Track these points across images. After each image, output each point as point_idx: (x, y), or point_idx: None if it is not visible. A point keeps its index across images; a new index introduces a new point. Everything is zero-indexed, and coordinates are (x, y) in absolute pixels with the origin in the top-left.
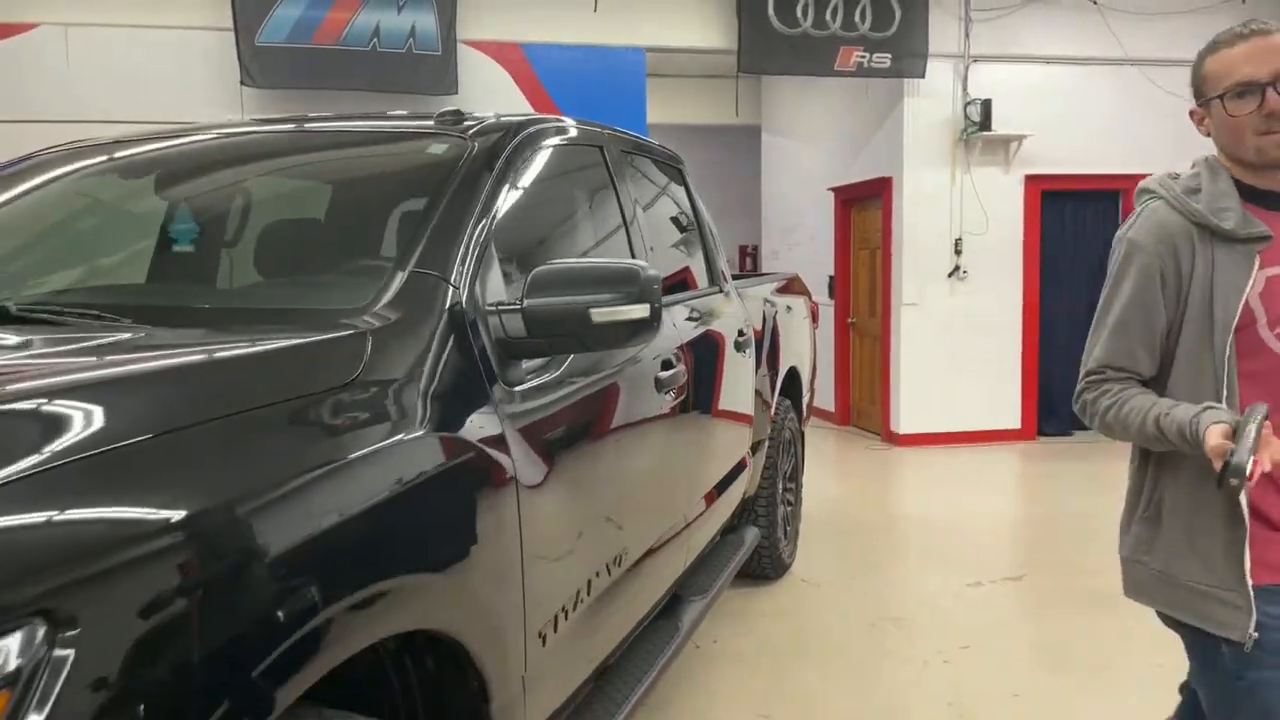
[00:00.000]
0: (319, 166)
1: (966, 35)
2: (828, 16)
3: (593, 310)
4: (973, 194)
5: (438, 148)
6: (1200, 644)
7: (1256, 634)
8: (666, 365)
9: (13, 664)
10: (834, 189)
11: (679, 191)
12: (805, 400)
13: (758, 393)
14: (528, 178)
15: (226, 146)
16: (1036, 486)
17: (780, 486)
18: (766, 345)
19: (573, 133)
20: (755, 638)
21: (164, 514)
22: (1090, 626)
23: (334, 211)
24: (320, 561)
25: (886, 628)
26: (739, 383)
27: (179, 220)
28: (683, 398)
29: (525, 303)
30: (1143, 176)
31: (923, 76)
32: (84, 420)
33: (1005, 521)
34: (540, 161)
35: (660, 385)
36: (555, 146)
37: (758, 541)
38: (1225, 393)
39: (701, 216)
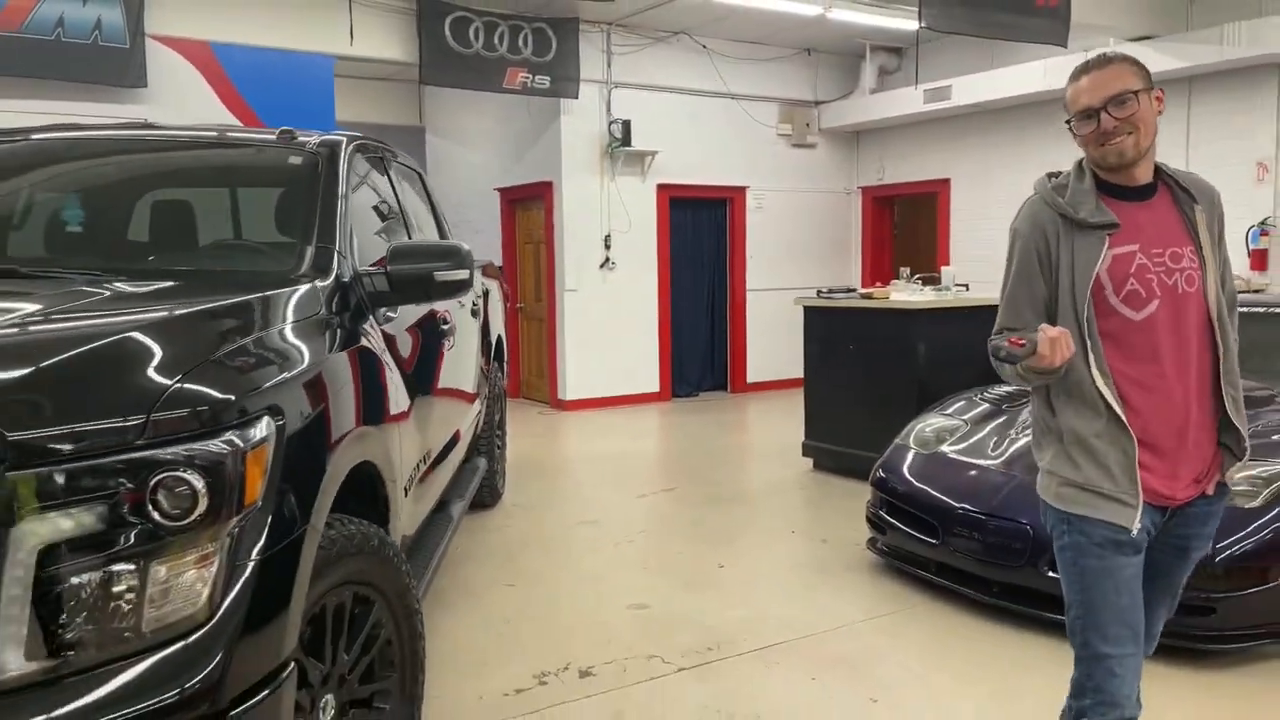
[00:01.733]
0: (210, 171)
1: (609, 65)
2: (496, 40)
3: (436, 273)
4: (618, 198)
5: (296, 157)
6: (1065, 533)
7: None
8: (444, 319)
9: (266, 433)
10: (500, 189)
11: (421, 190)
12: (506, 364)
13: (482, 351)
14: (355, 178)
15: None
16: (675, 431)
17: (494, 429)
18: (482, 316)
19: (370, 146)
20: (489, 543)
21: (283, 367)
22: (722, 514)
23: (245, 205)
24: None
25: (584, 528)
26: (473, 339)
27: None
28: (450, 342)
29: (389, 268)
30: (742, 188)
31: (576, 97)
32: (217, 327)
33: (657, 455)
34: (358, 167)
35: (441, 330)
36: (365, 156)
37: (486, 469)
38: (1089, 347)
39: (438, 208)
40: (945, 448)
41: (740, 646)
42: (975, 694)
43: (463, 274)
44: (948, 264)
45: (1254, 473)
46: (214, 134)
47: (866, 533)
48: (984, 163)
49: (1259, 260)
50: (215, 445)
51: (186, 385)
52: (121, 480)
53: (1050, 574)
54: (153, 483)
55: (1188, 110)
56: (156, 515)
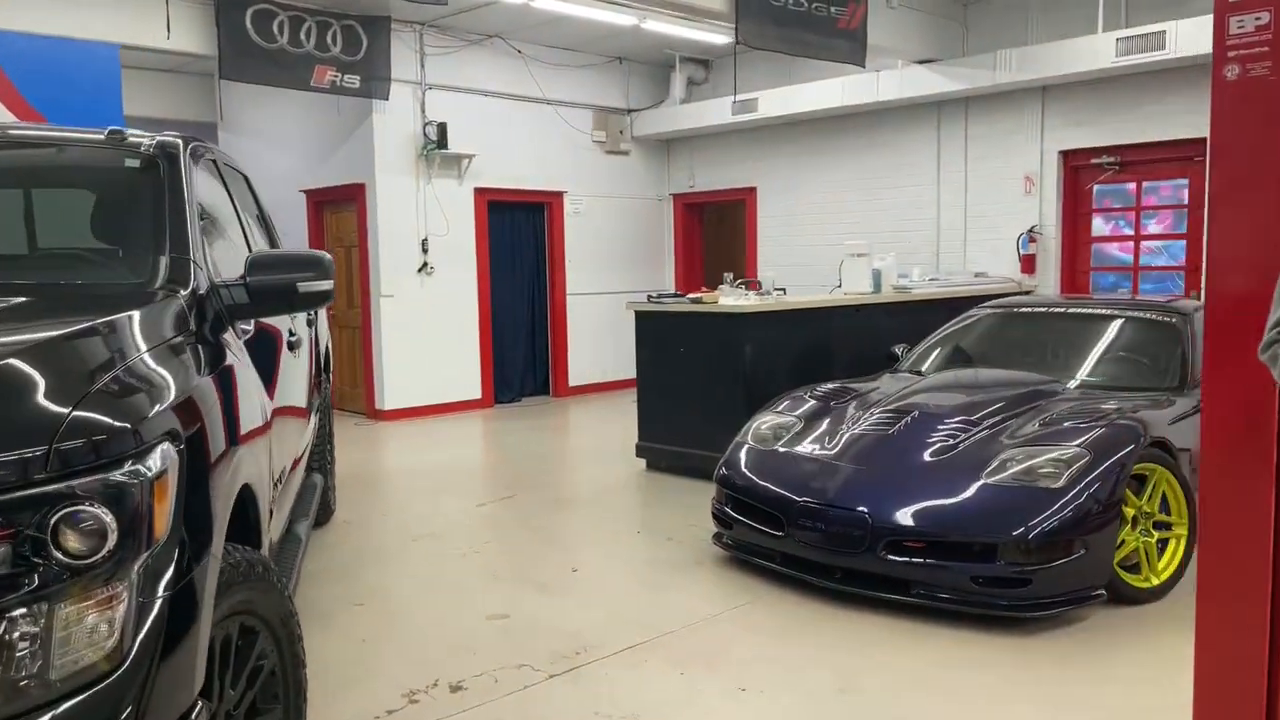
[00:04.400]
0: (33, 174)
1: (422, 66)
2: (302, 35)
3: (299, 284)
4: (435, 201)
5: (133, 160)
6: None
7: None
8: (291, 330)
9: (168, 460)
10: (306, 191)
11: (247, 194)
12: (332, 376)
13: (314, 362)
14: (196, 182)
15: None
16: (502, 438)
17: (326, 443)
18: (315, 326)
19: (201, 149)
20: (328, 561)
21: (169, 391)
22: (565, 518)
23: (72, 211)
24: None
25: (425, 541)
26: (308, 350)
27: None
28: (296, 354)
29: (249, 279)
30: (560, 193)
31: (387, 99)
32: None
33: (489, 463)
34: (198, 170)
35: (290, 341)
36: (201, 158)
37: (322, 484)
38: None
39: (267, 214)
40: (781, 445)
41: (606, 648)
42: (832, 671)
43: (327, 284)
44: (755, 270)
45: (1053, 455)
46: (35, 133)
47: (710, 528)
48: (788, 172)
49: (1028, 264)
50: (121, 475)
51: (83, 413)
52: (21, 517)
53: (888, 558)
54: (55, 519)
55: (965, 128)
56: (60, 554)
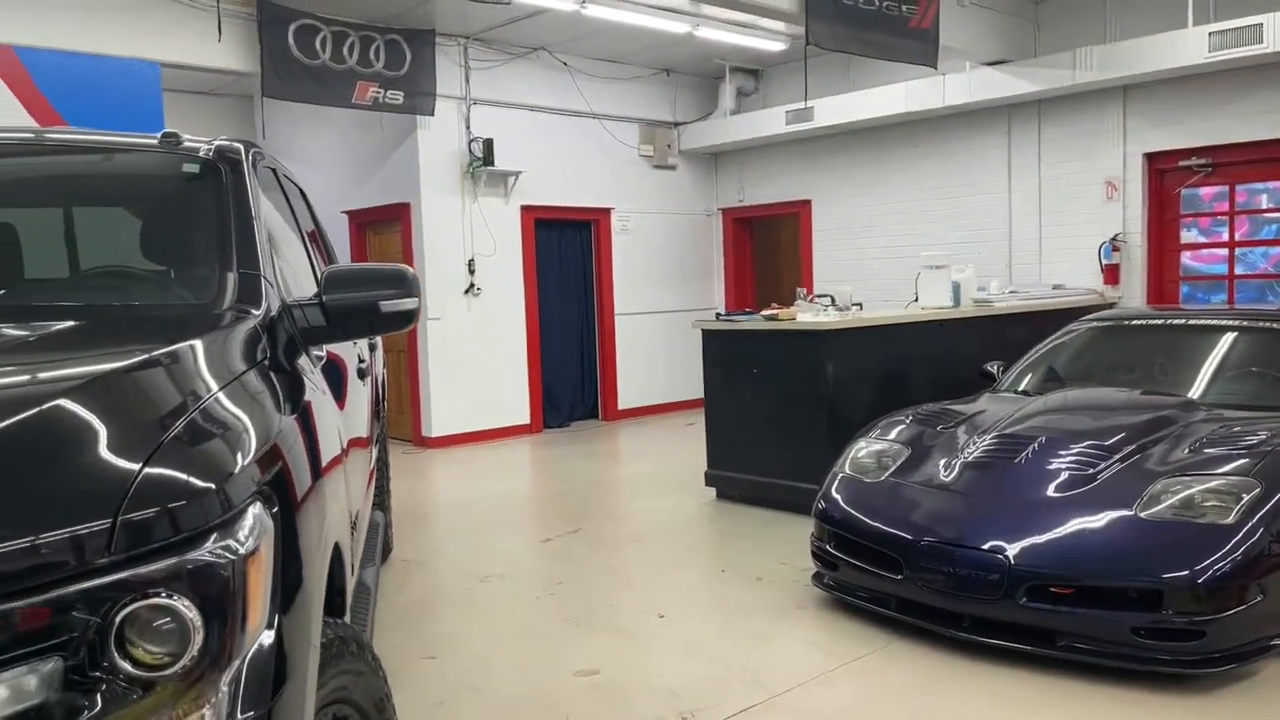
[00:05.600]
0: (83, 182)
1: (467, 80)
2: (345, 51)
3: (381, 303)
4: (481, 220)
5: (192, 165)
6: None
7: None
8: (361, 356)
9: (261, 528)
10: (348, 212)
11: (304, 207)
12: (385, 406)
13: (375, 389)
14: (261, 191)
15: None
16: (555, 465)
17: (384, 476)
18: (376, 350)
19: (262, 155)
20: (392, 607)
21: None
22: (639, 555)
23: (122, 223)
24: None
25: (492, 583)
26: (373, 378)
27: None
28: (367, 380)
29: (326, 298)
30: (608, 209)
31: (432, 114)
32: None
33: (547, 493)
34: (260, 180)
35: (360, 369)
36: (262, 166)
37: (383, 521)
38: None
39: (322, 227)
40: (890, 475)
41: (718, 711)
42: None
43: (412, 303)
44: (811, 285)
45: (1216, 485)
46: (83, 139)
47: (805, 566)
48: (845, 183)
49: (1111, 275)
50: (208, 554)
51: (155, 469)
52: (76, 619)
53: (1027, 604)
54: (120, 618)
55: (1038, 132)
56: (128, 665)
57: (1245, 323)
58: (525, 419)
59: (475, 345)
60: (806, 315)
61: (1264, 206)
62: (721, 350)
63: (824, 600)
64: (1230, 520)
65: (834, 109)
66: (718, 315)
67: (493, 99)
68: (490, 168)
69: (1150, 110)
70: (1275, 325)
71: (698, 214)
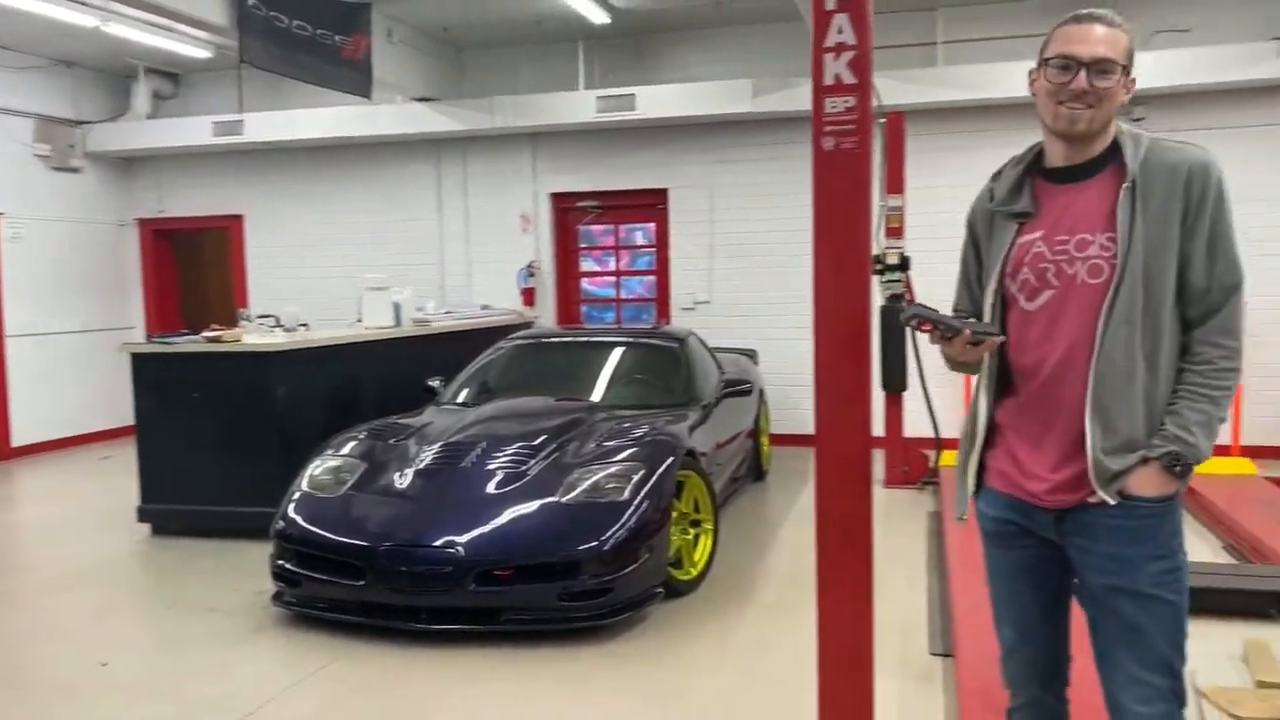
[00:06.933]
0: None
1: None
2: None
3: None
4: None
5: None
6: None
7: (968, 515)
8: None
9: None
10: None
11: None
12: None
13: None
14: None
15: None
16: None
17: None
18: None
19: None
20: None
21: None
22: (62, 606)
23: None
24: None
25: None
26: None
27: None
28: None
29: None
30: None
31: None
32: None
33: None
34: None
35: None
36: None
37: None
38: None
39: None
40: (348, 489)
41: None
42: (431, 713)
43: None
44: (246, 303)
45: (613, 471)
46: None
47: (257, 590)
48: (283, 200)
49: (529, 297)
50: None
51: None
52: None
53: (477, 589)
54: None
55: (464, 166)
56: None
57: (631, 339)
58: None
59: None
60: (253, 336)
61: (639, 243)
62: (158, 375)
63: (286, 619)
64: (625, 497)
65: (267, 125)
66: (150, 337)
67: None
68: None
69: (555, 156)
70: (650, 341)
71: (109, 224)
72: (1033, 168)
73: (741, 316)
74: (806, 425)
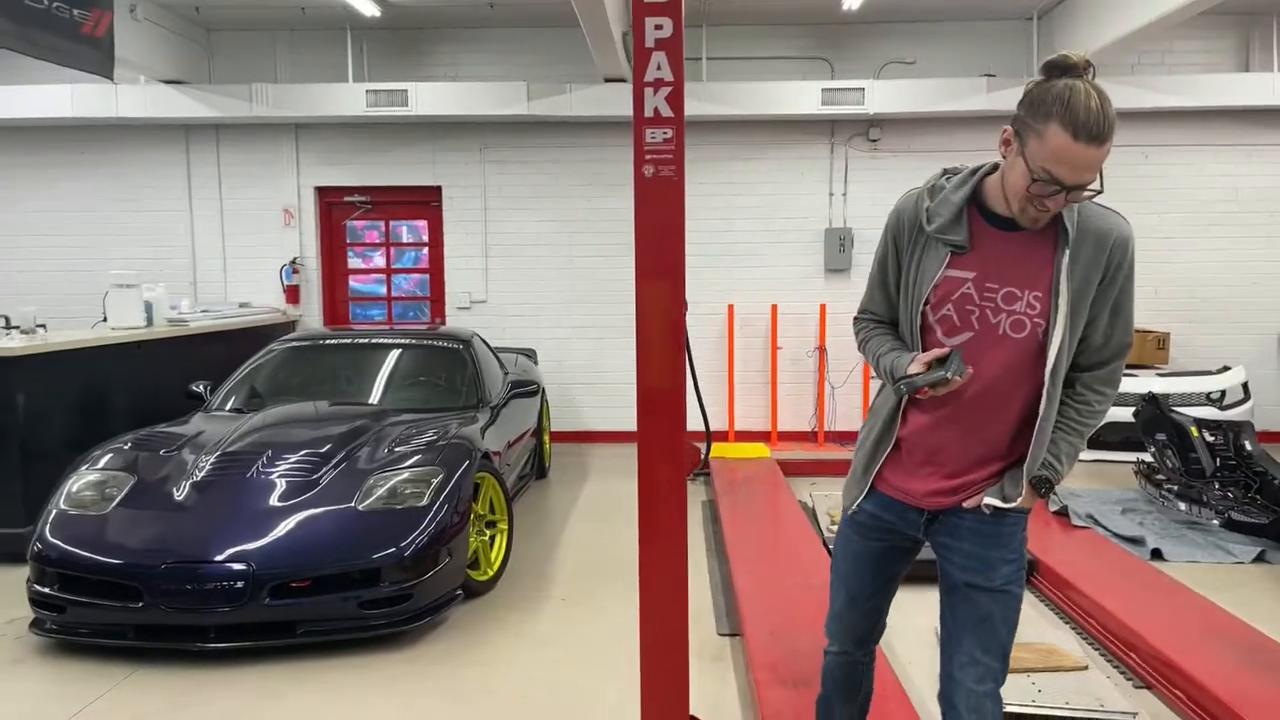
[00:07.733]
0: None
1: None
2: None
3: None
4: None
5: None
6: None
7: (852, 509)
8: None
9: None
10: None
11: None
12: None
13: None
14: None
15: None
16: None
17: None
18: None
19: None
20: None
21: None
22: None
23: None
24: None
25: None
26: None
27: None
28: None
29: None
30: None
31: None
32: None
33: None
34: None
35: None
36: None
37: None
38: (916, 350)
39: None
40: (116, 506)
41: None
42: None
43: None
44: None
45: (410, 476)
46: None
47: (17, 616)
48: (6, 185)
49: (292, 295)
50: None
51: None
52: None
53: (270, 603)
54: None
55: (218, 155)
56: None
57: (413, 341)
58: None
59: None
60: None
61: (406, 240)
62: None
63: (48, 647)
64: (425, 502)
65: None
66: None
67: None
68: None
69: (320, 149)
70: (434, 343)
71: None
72: (972, 199)
73: (518, 316)
74: (584, 423)
